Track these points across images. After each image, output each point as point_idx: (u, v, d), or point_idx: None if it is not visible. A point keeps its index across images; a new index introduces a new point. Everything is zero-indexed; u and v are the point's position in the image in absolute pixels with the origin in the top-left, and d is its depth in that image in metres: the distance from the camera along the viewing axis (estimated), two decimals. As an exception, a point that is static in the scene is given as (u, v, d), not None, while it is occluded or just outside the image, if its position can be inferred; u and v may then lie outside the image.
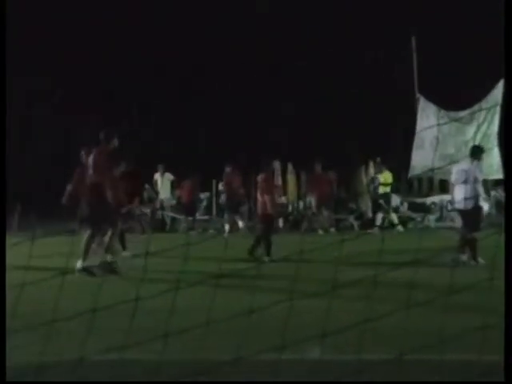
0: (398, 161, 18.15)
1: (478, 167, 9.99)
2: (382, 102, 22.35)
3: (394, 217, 17.61)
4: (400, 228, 17.23)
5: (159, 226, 18.67)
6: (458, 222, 10.33)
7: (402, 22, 19.76)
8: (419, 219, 18.33)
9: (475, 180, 9.83)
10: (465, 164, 10.18)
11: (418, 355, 4.14)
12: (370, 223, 17.61)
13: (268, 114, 22.85)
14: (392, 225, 17.37)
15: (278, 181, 19.29)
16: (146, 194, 19.91)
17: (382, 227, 17.03)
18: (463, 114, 16.98)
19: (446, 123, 16.86)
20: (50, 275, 6.64)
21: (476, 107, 16.89)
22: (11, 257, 6.51)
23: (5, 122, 5.86)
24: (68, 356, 4.37)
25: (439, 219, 18.26)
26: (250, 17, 22.91)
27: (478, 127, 16.73)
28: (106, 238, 9.39)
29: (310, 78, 21.39)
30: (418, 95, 18.12)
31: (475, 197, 9.76)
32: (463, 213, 9.93)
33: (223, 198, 18.21)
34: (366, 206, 18.56)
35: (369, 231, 16.67)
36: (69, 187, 11.64)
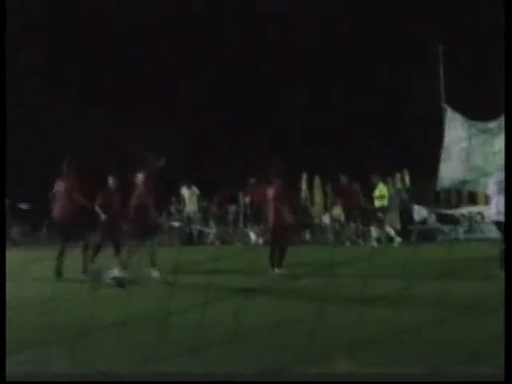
0: (423, 172, 17.99)
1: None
2: (409, 113, 22.27)
3: (391, 230, 17.32)
4: (398, 240, 16.87)
5: (186, 238, 18.83)
6: (493, 234, 10.15)
7: (429, 33, 19.69)
8: (447, 231, 18.13)
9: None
10: (502, 175, 10.04)
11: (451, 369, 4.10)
12: (400, 235, 17.39)
13: (293, 125, 22.91)
14: (389, 238, 17.12)
15: (302, 193, 19.49)
16: (173, 208, 20.15)
17: (379, 240, 16.86)
18: (492, 125, 16.71)
19: (475, 135, 16.64)
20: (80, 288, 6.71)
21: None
22: (38, 270, 6.59)
23: (5, 125, 5.98)
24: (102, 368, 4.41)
25: (468, 231, 18.04)
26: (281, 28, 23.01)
27: (507, 138, 16.49)
28: (124, 253, 9.66)
29: (336, 90, 21.40)
30: (444, 106, 18.01)
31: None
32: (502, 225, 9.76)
33: (251, 209, 18.37)
34: (393, 218, 18.38)
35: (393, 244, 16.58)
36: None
